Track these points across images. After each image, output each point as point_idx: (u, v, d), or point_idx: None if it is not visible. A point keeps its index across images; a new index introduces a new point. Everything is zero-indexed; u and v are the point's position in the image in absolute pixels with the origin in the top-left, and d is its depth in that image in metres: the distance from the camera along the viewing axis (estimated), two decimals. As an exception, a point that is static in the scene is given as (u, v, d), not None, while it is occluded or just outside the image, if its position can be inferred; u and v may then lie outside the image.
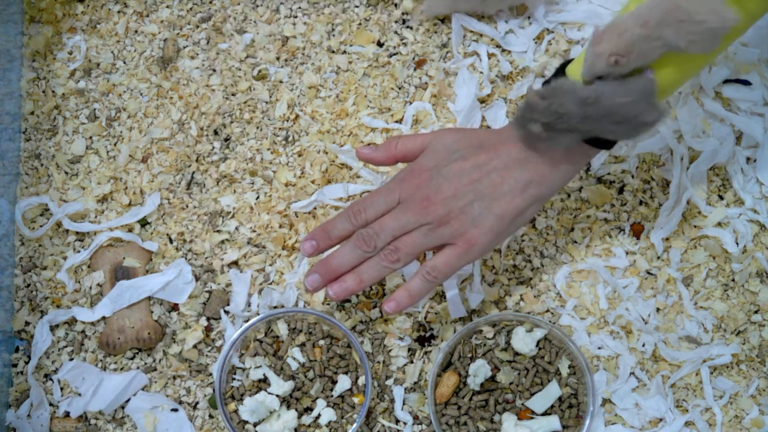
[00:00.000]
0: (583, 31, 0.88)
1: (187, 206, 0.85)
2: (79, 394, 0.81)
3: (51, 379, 0.82)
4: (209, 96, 0.87)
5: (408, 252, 0.71)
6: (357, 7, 0.90)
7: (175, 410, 0.81)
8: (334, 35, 0.89)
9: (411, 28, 0.89)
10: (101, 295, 0.83)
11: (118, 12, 0.90)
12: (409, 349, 0.82)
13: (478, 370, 0.77)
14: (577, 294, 0.82)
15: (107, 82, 0.88)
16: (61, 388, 0.82)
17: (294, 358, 0.79)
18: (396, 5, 0.89)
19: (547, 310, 0.82)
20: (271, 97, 0.87)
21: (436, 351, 0.82)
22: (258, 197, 0.85)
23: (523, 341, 0.78)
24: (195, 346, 0.82)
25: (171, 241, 0.84)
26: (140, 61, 0.89)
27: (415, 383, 0.81)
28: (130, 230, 0.84)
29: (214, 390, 0.80)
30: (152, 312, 0.83)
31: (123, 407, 0.81)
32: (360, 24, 0.89)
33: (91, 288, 0.83)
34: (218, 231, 0.84)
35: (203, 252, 0.84)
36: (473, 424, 0.78)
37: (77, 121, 0.87)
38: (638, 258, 0.83)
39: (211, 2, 0.90)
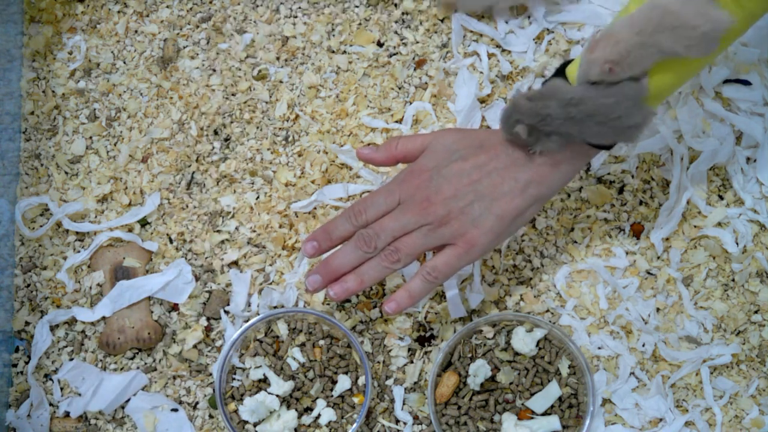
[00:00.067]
0: (583, 31, 0.88)
1: (187, 206, 0.85)
2: (79, 394, 0.81)
3: (51, 379, 0.82)
4: (209, 96, 0.87)
5: (408, 252, 0.71)
6: (357, 7, 0.90)
7: (175, 410, 0.81)
8: (334, 35, 0.89)
9: (411, 27, 0.89)
10: (101, 295, 0.83)
11: (118, 12, 0.90)
12: (409, 349, 0.82)
13: (478, 370, 0.77)
14: (577, 294, 0.82)
15: (107, 82, 0.88)
16: (61, 388, 0.82)
17: (294, 358, 0.79)
18: (396, 5, 0.89)
19: (547, 310, 0.82)
20: (271, 97, 0.87)
21: (436, 351, 0.82)
22: (258, 197, 0.85)
23: (523, 341, 0.78)
24: (195, 346, 0.82)
25: (171, 241, 0.84)
26: (140, 61, 0.89)
27: (415, 383, 0.81)
28: (130, 230, 0.84)
29: (214, 390, 0.80)
30: (152, 312, 0.83)
31: (123, 407, 0.81)
32: (360, 24, 0.89)
33: (91, 288, 0.83)
34: (218, 231, 0.84)
35: (203, 252, 0.84)
36: (473, 424, 0.78)
37: (77, 121, 0.87)
38: (638, 258, 0.83)
39: (211, 2, 0.90)
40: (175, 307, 0.83)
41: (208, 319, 0.83)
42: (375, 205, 0.72)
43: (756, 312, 0.82)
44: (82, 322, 0.82)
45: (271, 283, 0.83)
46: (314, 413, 0.78)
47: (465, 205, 0.70)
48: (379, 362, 0.81)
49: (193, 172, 0.86)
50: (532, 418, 0.78)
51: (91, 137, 0.87)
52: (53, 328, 0.83)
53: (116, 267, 0.83)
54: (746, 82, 0.85)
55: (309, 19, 0.89)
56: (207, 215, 0.85)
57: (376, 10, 0.89)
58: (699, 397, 0.80)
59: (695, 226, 0.83)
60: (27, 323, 0.83)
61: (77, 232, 0.84)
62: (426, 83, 0.87)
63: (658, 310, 0.82)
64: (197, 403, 0.82)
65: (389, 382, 0.81)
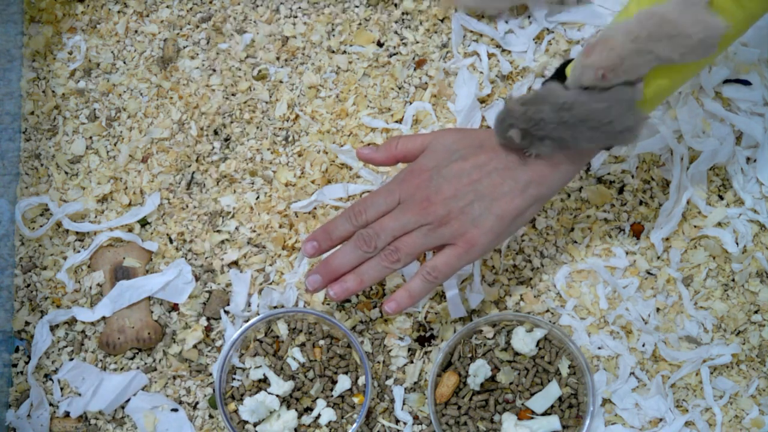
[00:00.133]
0: (583, 31, 0.88)
1: (187, 206, 0.85)
2: (79, 394, 0.81)
3: (51, 379, 0.82)
4: (209, 96, 0.87)
5: (408, 252, 0.71)
6: (357, 7, 0.90)
7: (175, 410, 0.81)
8: (334, 35, 0.89)
9: (411, 27, 0.89)
10: (101, 295, 0.83)
11: (118, 12, 0.90)
12: (409, 349, 0.82)
13: (478, 370, 0.77)
14: (577, 294, 0.82)
15: (107, 82, 0.88)
16: (61, 388, 0.82)
17: (294, 358, 0.79)
18: (396, 5, 0.89)
19: (547, 310, 0.82)
20: (271, 97, 0.87)
21: (436, 351, 0.82)
22: (258, 197, 0.85)
23: (523, 341, 0.78)
24: (195, 346, 0.82)
25: (171, 241, 0.84)
26: (140, 61, 0.89)
27: (415, 383, 0.81)
28: (130, 230, 0.84)
29: (214, 390, 0.80)
30: (152, 312, 0.83)
31: (123, 407, 0.81)
32: (360, 24, 0.89)
33: (91, 288, 0.83)
34: (218, 231, 0.84)
35: (203, 252, 0.84)
36: (473, 424, 0.78)
37: (77, 121, 0.87)
38: (638, 258, 0.83)
39: (211, 2, 0.90)
40: (175, 307, 0.83)
41: (208, 319, 0.83)
42: (375, 205, 0.72)
43: (756, 312, 0.82)
44: (82, 322, 0.82)
45: (271, 283, 0.83)
46: (314, 413, 0.78)
47: (465, 205, 0.70)
48: (379, 362, 0.81)
49: (193, 172, 0.86)
50: (532, 418, 0.78)
51: (91, 137, 0.87)
52: (53, 328, 0.83)
53: (116, 267, 0.83)
54: (746, 82, 0.85)
55: (309, 19, 0.89)
56: (207, 215, 0.85)
57: (376, 10, 0.89)
58: (699, 397, 0.80)
59: (695, 226, 0.83)
60: (27, 323, 0.83)
61: (77, 232, 0.84)
62: (426, 83, 0.87)
63: (658, 310, 0.82)
64: (197, 403, 0.82)
65: (389, 382, 0.81)
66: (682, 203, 0.82)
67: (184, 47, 0.89)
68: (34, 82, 0.88)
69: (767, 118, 0.84)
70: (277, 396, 0.77)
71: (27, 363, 0.83)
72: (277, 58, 0.88)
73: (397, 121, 0.86)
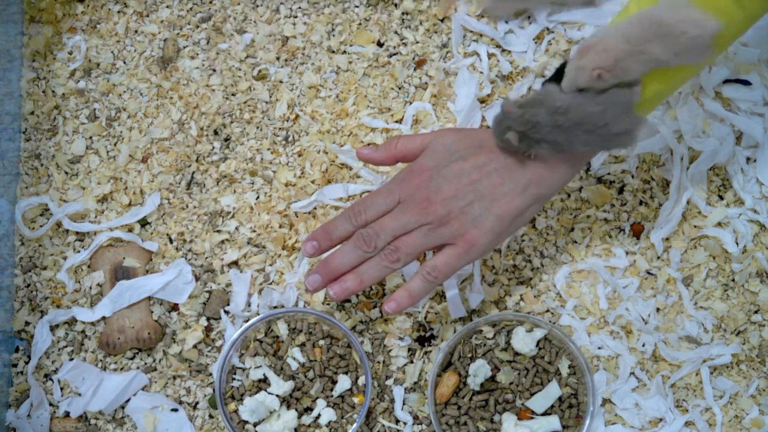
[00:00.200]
0: (583, 30, 0.88)
1: (187, 206, 0.85)
2: (79, 394, 0.81)
3: (51, 379, 0.82)
4: (209, 96, 0.87)
5: (408, 252, 0.71)
6: (357, 7, 0.90)
7: (175, 410, 0.81)
8: (334, 35, 0.89)
9: (411, 27, 0.89)
10: (101, 295, 0.83)
11: (118, 12, 0.90)
12: (409, 349, 0.82)
13: (478, 370, 0.77)
14: (577, 294, 0.82)
15: (107, 82, 0.88)
16: (61, 388, 0.82)
17: (294, 358, 0.79)
18: (396, 5, 0.89)
19: (547, 310, 0.82)
20: (271, 97, 0.87)
21: (436, 351, 0.82)
22: (258, 197, 0.85)
23: (523, 341, 0.78)
24: (195, 346, 0.82)
25: (171, 241, 0.84)
26: (140, 61, 0.89)
27: (415, 383, 0.81)
28: (130, 230, 0.84)
29: (214, 390, 0.80)
30: (152, 312, 0.83)
31: (123, 407, 0.81)
32: (360, 24, 0.89)
33: (91, 288, 0.83)
34: (218, 231, 0.84)
35: (203, 252, 0.84)
36: (473, 424, 0.78)
37: (77, 121, 0.87)
38: (638, 258, 0.83)
39: (211, 2, 0.90)
40: (175, 307, 0.83)
41: (208, 319, 0.83)
42: (375, 204, 0.72)
43: (756, 312, 0.82)
44: (82, 322, 0.82)
45: (271, 283, 0.83)
46: (314, 413, 0.78)
47: (465, 205, 0.70)
48: (379, 362, 0.81)
49: (193, 172, 0.86)
50: (532, 418, 0.78)
51: (91, 137, 0.87)
52: (53, 328, 0.83)
53: (116, 267, 0.83)
54: (746, 82, 0.85)
55: (309, 19, 0.89)
56: (207, 215, 0.85)
57: (376, 10, 0.89)
58: (699, 397, 0.80)
59: (695, 226, 0.83)
60: (27, 323, 0.83)
61: (77, 232, 0.84)
62: (426, 83, 0.87)
63: (658, 310, 0.82)
64: (197, 403, 0.82)
65: (389, 382, 0.81)
66: (682, 203, 0.82)
67: (184, 47, 0.89)
68: (34, 82, 0.88)
69: (767, 118, 0.84)
70: (277, 396, 0.77)
71: (27, 363, 0.83)
72: (277, 58, 0.88)
73: (397, 121, 0.86)
